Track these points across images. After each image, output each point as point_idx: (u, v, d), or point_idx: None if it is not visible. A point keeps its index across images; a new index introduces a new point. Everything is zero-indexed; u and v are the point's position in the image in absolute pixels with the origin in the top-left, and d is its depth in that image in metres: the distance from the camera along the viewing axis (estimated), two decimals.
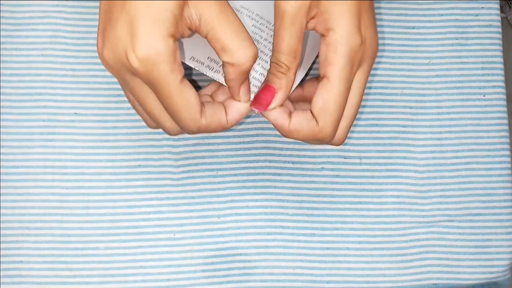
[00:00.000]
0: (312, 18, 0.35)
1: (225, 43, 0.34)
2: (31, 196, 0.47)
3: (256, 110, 0.38)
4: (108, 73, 0.48)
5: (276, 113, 0.38)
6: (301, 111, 0.38)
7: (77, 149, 0.47)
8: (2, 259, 0.46)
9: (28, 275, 0.46)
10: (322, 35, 0.35)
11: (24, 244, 0.46)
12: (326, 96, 0.36)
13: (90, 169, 0.47)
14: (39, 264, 0.46)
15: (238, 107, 0.38)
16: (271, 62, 0.37)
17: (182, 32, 0.34)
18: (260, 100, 0.37)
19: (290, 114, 0.38)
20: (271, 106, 0.37)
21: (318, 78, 0.38)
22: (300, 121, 0.37)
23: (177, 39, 0.34)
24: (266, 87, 0.37)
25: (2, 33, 0.48)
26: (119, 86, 0.48)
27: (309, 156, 0.48)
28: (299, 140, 0.38)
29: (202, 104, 0.36)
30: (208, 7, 0.33)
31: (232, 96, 0.37)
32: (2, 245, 0.46)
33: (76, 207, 0.47)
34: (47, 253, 0.46)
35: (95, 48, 0.48)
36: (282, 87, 0.37)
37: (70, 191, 0.47)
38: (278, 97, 0.37)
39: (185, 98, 0.34)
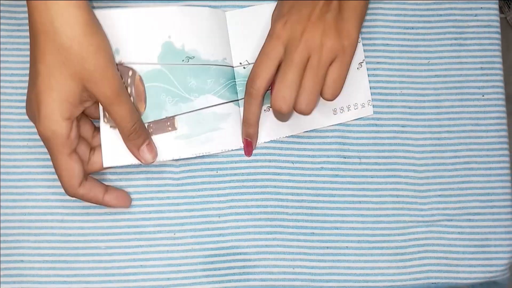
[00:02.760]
0: None
1: (117, 121, 0.42)
2: (32, 195, 0.47)
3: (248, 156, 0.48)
4: None
5: None
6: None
7: None
8: (3, 258, 0.46)
9: (29, 274, 0.46)
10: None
11: (24, 244, 0.46)
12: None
13: None
14: (40, 263, 0.46)
15: (119, 195, 0.45)
16: (243, 121, 0.47)
17: (79, 110, 0.41)
18: (247, 152, 0.48)
19: None
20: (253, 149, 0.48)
21: None
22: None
23: (73, 118, 0.41)
24: (246, 142, 0.48)
25: (3, 33, 0.48)
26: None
27: (309, 156, 0.48)
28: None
29: (85, 178, 0.43)
30: (102, 93, 0.40)
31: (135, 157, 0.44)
32: (3, 245, 0.46)
33: (77, 207, 0.47)
34: (48, 253, 0.46)
35: None
36: (252, 135, 0.47)
37: None
38: (255, 143, 0.48)
39: (68, 168, 0.41)
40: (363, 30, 0.49)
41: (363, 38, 0.49)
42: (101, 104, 0.42)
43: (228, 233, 0.47)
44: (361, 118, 0.49)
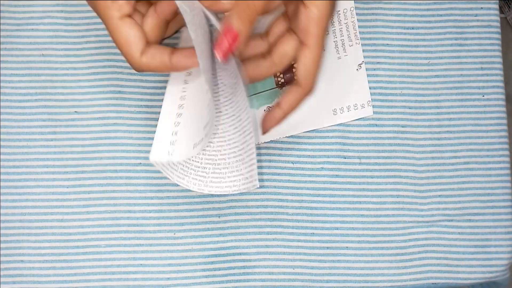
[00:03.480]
0: None
1: None
2: (32, 195, 0.47)
3: (219, 58, 0.37)
4: (108, 71, 0.48)
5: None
6: (285, 94, 0.41)
7: (77, 147, 0.47)
8: (3, 258, 0.46)
9: (29, 274, 0.46)
10: (304, 6, 0.38)
11: (24, 244, 0.46)
12: (308, 62, 0.39)
13: (90, 167, 0.47)
14: (40, 263, 0.46)
15: (188, 54, 0.39)
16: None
17: None
18: (223, 44, 0.36)
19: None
20: (233, 50, 0.37)
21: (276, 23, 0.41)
22: (289, 99, 0.40)
23: None
24: (228, 30, 0.36)
25: (2, 33, 0.48)
26: (119, 83, 0.48)
27: (309, 156, 0.48)
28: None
29: (148, 45, 0.38)
30: None
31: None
32: (3, 244, 0.46)
33: (77, 206, 0.47)
34: (48, 252, 0.46)
35: (95, 46, 0.48)
36: (242, 31, 0.37)
37: (70, 190, 0.47)
38: (239, 42, 0.37)
39: (123, 34, 0.38)
40: (363, 30, 0.49)
41: (363, 38, 0.49)
42: None
43: (228, 233, 0.47)
44: (361, 118, 0.49)
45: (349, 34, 0.49)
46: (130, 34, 0.38)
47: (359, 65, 0.49)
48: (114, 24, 0.38)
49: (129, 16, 0.38)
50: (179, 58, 0.39)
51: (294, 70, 0.45)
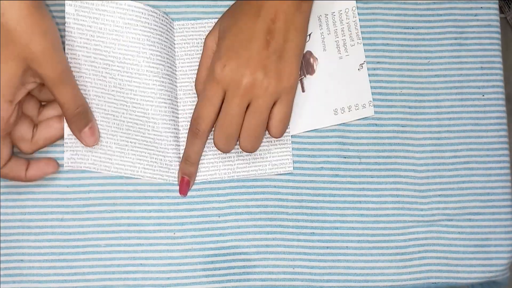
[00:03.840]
0: None
1: (60, 103, 0.42)
2: (32, 194, 0.47)
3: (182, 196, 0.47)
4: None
5: None
6: None
7: None
8: (3, 257, 0.46)
9: (29, 273, 0.46)
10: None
11: (24, 243, 0.46)
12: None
13: None
14: (40, 262, 0.46)
15: (40, 166, 0.45)
16: (183, 158, 0.47)
17: (22, 93, 0.41)
18: (183, 191, 0.47)
19: None
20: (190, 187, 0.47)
21: None
22: None
23: (16, 101, 0.41)
24: (182, 181, 0.47)
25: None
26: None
27: (309, 156, 0.48)
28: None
29: (9, 158, 0.43)
30: (47, 75, 0.40)
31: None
32: (3, 244, 0.46)
33: (77, 205, 0.47)
34: (48, 252, 0.46)
35: None
36: (191, 174, 0.47)
37: (70, 189, 0.47)
38: (192, 181, 0.47)
39: None
40: (363, 30, 0.49)
41: (363, 38, 0.49)
42: (46, 86, 0.41)
43: (228, 233, 0.47)
44: (361, 118, 0.49)
45: (350, 34, 0.49)
46: (4, 152, 0.42)
47: (361, 65, 0.49)
48: None
49: (9, 133, 0.42)
50: (32, 173, 0.44)
51: None
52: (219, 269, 0.47)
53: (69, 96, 0.42)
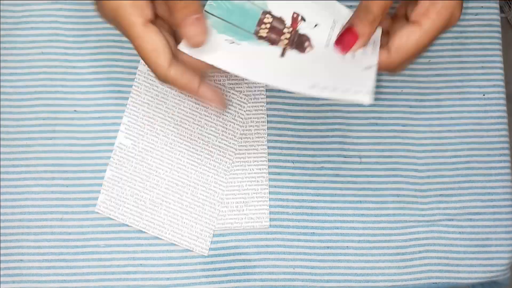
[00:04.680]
0: None
1: None
2: (31, 194, 0.47)
3: (339, 50, 0.39)
4: (108, 70, 0.48)
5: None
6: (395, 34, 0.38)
7: (77, 146, 0.47)
8: (2, 257, 0.46)
9: (28, 273, 0.46)
10: None
11: (24, 243, 0.46)
12: (412, 38, 0.37)
13: (90, 166, 0.47)
14: (39, 262, 0.46)
15: (215, 91, 0.39)
16: (360, 6, 0.38)
17: None
18: (344, 42, 0.39)
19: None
20: (352, 50, 0.39)
21: (397, 18, 0.40)
22: (402, 42, 0.38)
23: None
24: (350, 31, 0.38)
25: (2, 32, 0.48)
26: (118, 83, 0.48)
27: (309, 155, 0.48)
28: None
29: (176, 58, 0.37)
30: None
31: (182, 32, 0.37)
32: (2, 244, 0.46)
33: (76, 205, 0.47)
34: (47, 251, 0.46)
35: (95, 45, 0.48)
36: (364, 34, 0.38)
37: (70, 189, 0.47)
38: (359, 44, 0.38)
39: (149, 42, 0.35)
40: None
41: None
42: None
43: (228, 233, 0.47)
44: (361, 117, 0.49)
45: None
46: (157, 42, 0.36)
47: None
48: (138, 31, 0.35)
49: (152, 22, 0.36)
50: (206, 92, 0.38)
51: (307, 44, 0.41)
52: (219, 270, 0.47)
53: None
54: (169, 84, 0.37)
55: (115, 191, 0.46)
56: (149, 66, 0.36)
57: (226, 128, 0.48)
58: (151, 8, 0.36)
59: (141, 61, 0.46)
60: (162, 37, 0.36)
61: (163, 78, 0.36)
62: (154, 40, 0.35)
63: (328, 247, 0.48)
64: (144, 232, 0.46)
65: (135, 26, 0.35)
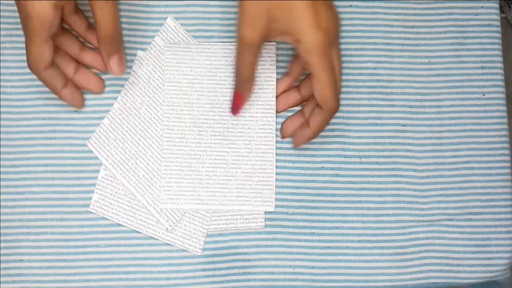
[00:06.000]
0: (282, 34, 0.43)
1: (97, 19, 0.42)
2: (32, 194, 0.47)
3: (233, 115, 0.47)
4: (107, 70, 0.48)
5: (298, 135, 0.46)
6: (312, 115, 0.45)
7: (77, 147, 0.47)
8: (2, 257, 0.46)
9: (28, 273, 0.46)
10: (295, 45, 0.43)
11: (24, 243, 0.46)
12: (320, 88, 0.43)
13: (90, 166, 0.47)
14: (39, 262, 0.46)
15: (90, 77, 0.47)
16: (236, 78, 0.45)
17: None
18: (235, 110, 0.47)
19: (306, 122, 0.46)
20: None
21: (305, 78, 0.47)
22: (316, 120, 0.45)
23: (60, 6, 0.42)
24: (236, 95, 0.46)
25: (2, 32, 0.48)
26: (119, 83, 0.48)
27: (309, 156, 0.48)
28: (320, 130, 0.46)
29: (52, 65, 0.44)
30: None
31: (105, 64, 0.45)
32: (2, 244, 0.46)
33: (76, 205, 0.47)
34: (47, 251, 0.46)
35: (95, 45, 0.48)
36: (247, 92, 0.46)
37: (70, 189, 0.47)
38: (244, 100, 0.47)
39: (40, 51, 0.42)
40: (364, 29, 0.49)
41: (363, 37, 0.49)
42: None
43: (228, 233, 0.47)
44: (361, 118, 0.49)
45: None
46: (46, 54, 0.43)
47: None
48: (38, 42, 0.42)
49: (51, 37, 0.43)
50: (66, 93, 0.45)
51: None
52: (219, 270, 0.47)
53: (109, 15, 0.42)
54: (37, 78, 0.44)
55: (108, 191, 0.46)
56: (28, 61, 0.43)
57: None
58: (58, 24, 0.43)
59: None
60: (51, 51, 0.43)
61: (34, 72, 0.43)
62: (44, 52, 0.42)
63: (328, 247, 0.48)
64: (143, 232, 0.46)
65: (37, 39, 0.41)
